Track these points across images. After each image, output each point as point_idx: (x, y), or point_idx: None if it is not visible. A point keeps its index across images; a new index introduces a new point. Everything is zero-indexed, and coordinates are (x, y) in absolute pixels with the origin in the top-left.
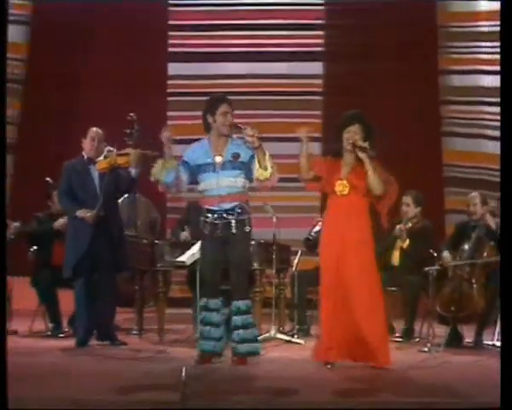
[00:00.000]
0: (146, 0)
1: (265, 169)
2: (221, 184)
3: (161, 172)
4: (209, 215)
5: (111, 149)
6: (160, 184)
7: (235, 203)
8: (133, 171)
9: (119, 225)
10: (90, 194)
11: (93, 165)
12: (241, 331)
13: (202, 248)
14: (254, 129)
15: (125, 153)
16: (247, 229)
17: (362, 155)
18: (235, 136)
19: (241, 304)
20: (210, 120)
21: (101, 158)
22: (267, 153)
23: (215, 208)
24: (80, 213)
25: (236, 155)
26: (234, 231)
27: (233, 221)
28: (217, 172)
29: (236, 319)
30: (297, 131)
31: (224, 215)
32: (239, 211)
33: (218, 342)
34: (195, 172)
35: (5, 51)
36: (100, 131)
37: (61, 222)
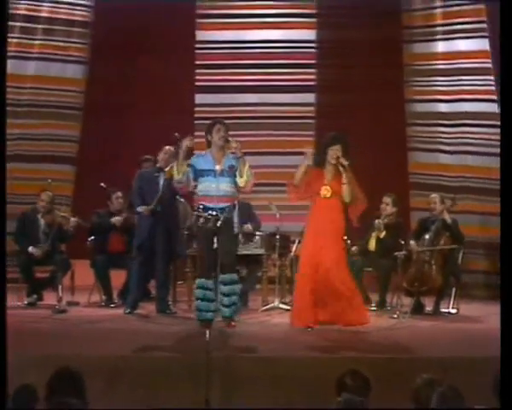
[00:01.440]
0: (177, 45)
1: (241, 176)
2: (220, 188)
3: (176, 172)
4: (204, 211)
5: None
6: (174, 181)
7: (228, 204)
8: None
9: (175, 221)
10: (154, 194)
11: (162, 173)
12: (226, 298)
13: (197, 238)
14: (238, 142)
15: None
16: (233, 223)
17: (342, 169)
18: (229, 153)
19: (228, 277)
20: (209, 138)
21: (168, 168)
22: (247, 164)
23: (212, 206)
24: (140, 208)
25: (232, 167)
26: (219, 225)
27: (221, 218)
28: (217, 177)
29: (223, 288)
30: (304, 149)
31: (216, 213)
32: (228, 211)
33: (212, 313)
34: (198, 174)
35: (5, 80)
36: (172, 148)
37: (117, 219)
